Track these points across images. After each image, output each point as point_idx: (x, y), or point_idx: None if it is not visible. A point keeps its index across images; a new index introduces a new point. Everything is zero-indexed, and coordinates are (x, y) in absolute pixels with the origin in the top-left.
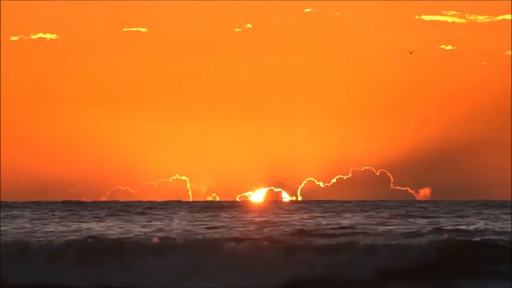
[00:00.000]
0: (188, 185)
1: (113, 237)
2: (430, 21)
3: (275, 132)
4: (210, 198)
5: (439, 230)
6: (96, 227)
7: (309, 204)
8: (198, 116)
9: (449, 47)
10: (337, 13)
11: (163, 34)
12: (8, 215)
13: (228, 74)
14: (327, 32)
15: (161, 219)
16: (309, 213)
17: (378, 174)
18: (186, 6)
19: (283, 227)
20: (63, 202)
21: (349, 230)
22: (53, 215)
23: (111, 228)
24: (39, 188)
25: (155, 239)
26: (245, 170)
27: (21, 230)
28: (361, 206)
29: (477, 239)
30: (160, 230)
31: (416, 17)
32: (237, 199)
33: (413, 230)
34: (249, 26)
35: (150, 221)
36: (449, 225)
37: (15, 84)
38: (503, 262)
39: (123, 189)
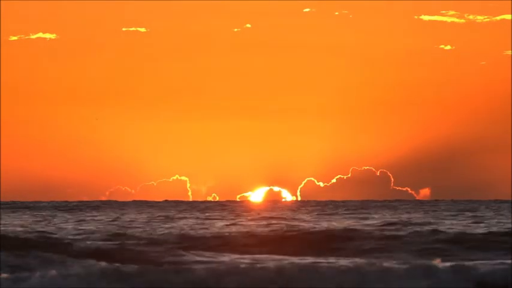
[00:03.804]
0: (188, 185)
1: None
2: (429, 21)
3: (275, 132)
4: (210, 198)
5: None
6: None
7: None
8: (198, 116)
9: (448, 47)
10: (336, 13)
11: (163, 34)
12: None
13: (227, 73)
14: (326, 32)
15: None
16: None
17: (378, 174)
18: (185, 6)
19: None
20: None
21: None
22: None
23: None
24: (39, 188)
25: None
26: (245, 170)
27: None
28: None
29: None
30: None
31: (416, 17)
32: (237, 199)
33: None
34: (248, 25)
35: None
36: None
37: (15, 84)
38: None
39: (123, 189)
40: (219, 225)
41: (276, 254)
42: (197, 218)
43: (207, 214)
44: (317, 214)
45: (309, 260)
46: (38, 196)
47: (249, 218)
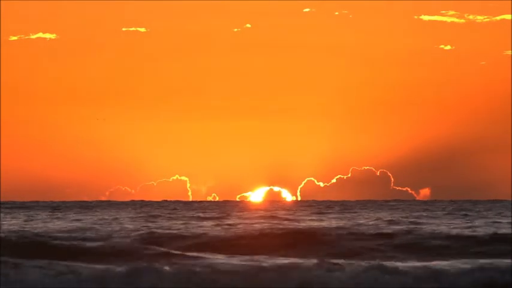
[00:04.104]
0: (188, 185)
1: None
2: (429, 21)
3: (275, 132)
4: (210, 198)
5: None
6: None
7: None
8: (198, 116)
9: (448, 47)
10: (336, 13)
11: (162, 34)
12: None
13: (227, 73)
14: (326, 32)
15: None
16: None
17: (378, 174)
18: (185, 6)
19: None
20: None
21: None
22: None
23: None
24: (39, 189)
25: None
26: (245, 170)
27: None
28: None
29: None
30: None
31: (415, 17)
32: (237, 199)
33: None
34: (248, 25)
35: None
36: None
37: (15, 84)
38: None
39: (123, 189)
40: (200, 225)
41: (243, 254)
42: (183, 217)
43: (197, 214)
44: (309, 213)
45: (278, 259)
46: (38, 196)
47: (237, 217)
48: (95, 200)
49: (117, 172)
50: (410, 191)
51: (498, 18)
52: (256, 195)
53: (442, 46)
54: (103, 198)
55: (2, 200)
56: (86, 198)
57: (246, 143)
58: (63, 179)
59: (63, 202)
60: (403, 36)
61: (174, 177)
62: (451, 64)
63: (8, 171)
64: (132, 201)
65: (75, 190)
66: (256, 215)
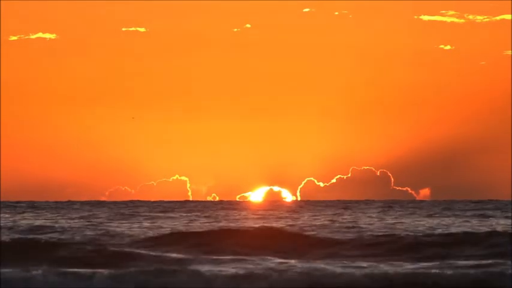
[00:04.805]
0: (188, 185)
1: None
2: (429, 21)
3: (275, 132)
4: (210, 198)
5: None
6: None
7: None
8: (198, 116)
9: (448, 47)
10: (336, 13)
11: (162, 34)
12: None
13: (227, 74)
14: (325, 32)
15: None
16: None
17: (378, 174)
18: (185, 6)
19: None
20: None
21: None
22: None
23: None
24: (38, 188)
25: None
26: (245, 170)
27: None
28: None
29: None
30: None
31: (415, 17)
32: (237, 199)
33: None
34: (248, 25)
35: None
36: None
37: (15, 84)
38: None
39: (123, 189)
40: (161, 225)
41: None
42: (148, 217)
43: (170, 214)
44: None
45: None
46: (37, 196)
47: (204, 217)
48: (94, 200)
49: (117, 172)
50: (410, 191)
51: (498, 18)
52: (256, 195)
53: (442, 46)
54: (103, 199)
55: (2, 200)
56: (85, 198)
57: (246, 143)
58: (63, 179)
59: (60, 202)
60: (403, 36)
61: (174, 177)
62: (451, 64)
63: (8, 171)
64: (132, 201)
65: (74, 190)
66: (230, 214)
